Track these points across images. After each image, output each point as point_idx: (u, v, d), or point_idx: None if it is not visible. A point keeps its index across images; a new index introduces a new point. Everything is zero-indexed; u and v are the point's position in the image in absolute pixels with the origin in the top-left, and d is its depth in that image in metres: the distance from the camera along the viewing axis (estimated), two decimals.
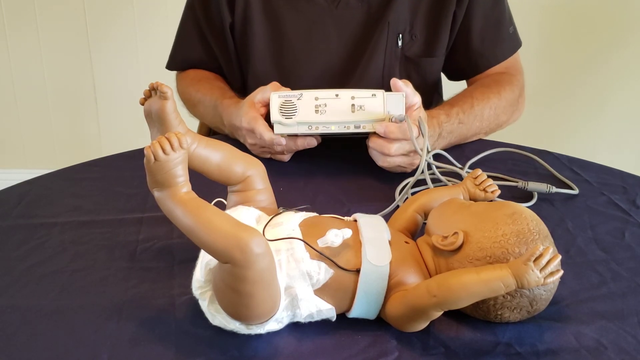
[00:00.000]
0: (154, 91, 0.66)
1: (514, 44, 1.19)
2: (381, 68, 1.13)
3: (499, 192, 0.72)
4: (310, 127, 0.85)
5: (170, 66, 1.24)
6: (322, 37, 1.11)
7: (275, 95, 0.86)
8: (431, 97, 1.22)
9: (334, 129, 0.86)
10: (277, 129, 0.86)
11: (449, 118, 1.00)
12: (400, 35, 1.11)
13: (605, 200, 0.87)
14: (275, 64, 1.14)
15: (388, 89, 1.12)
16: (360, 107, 0.84)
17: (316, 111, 0.84)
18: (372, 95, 0.84)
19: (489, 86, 1.10)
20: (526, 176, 0.92)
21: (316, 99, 0.84)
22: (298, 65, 1.13)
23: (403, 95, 0.87)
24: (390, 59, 1.12)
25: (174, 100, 0.65)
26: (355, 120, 0.85)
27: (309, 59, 1.13)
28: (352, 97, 0.85)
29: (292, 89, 1.00)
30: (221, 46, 1.16)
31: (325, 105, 0.84)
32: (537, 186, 0.87)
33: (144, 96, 0.68)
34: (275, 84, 0.94)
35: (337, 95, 0.84)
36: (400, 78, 1.14)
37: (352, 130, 0.86)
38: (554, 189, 0.87)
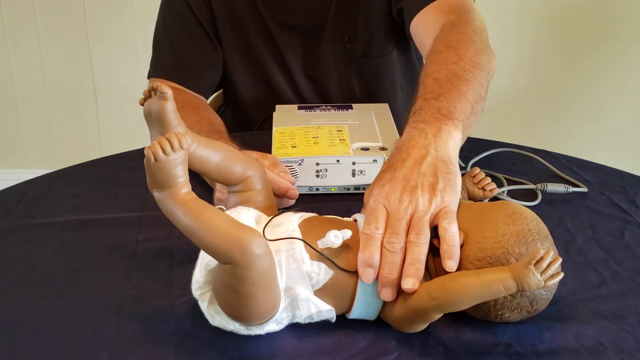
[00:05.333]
0: (153, 92, 0.66)
1: None
2: (336, 72, 1.16)
3: (497, 190, 0.71)
4: (310, 189, 0.87)
5: (157, 74, 1.14)
6: (275, 51, 1.15)
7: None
8: (395, 97, 1.23)
9: (334, 190, 0.87)
10: None
11: (427, 102, 0.75)
12: (347, 38, 1.12)
13: (605, 200, 0.87)
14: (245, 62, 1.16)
15: (347, 94, 1.14)
16: (361, 172, 0.85)
17: (317, 175, 0.85)
18: (373, 160, 0.85)
19: (438, 52, 0.86)
20: (527, 176, 0.92)
21: (317, 164, 0.85)
22: (269, 76, 1.17)
23: None
24: (341, 63, 1.15)
25: (174, 100, 0.65)
26: (356, 184, 0.86)
27: (274, 72, 1.16)
28: (353, 163, 0.85)
29: (270, 96, 1.04)
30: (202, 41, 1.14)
31: (326, 170, 0.85)
32: (555, 187, 0.87)
33: (143, 97, 0.68)
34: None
35: (338, 160, 0.85)
36: (357, 82, 1.17)
37: (352, 191, 0.87)
38: (571, 189, 0.87)
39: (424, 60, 0.91)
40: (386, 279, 0.58)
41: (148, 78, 1.14)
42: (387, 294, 0.58)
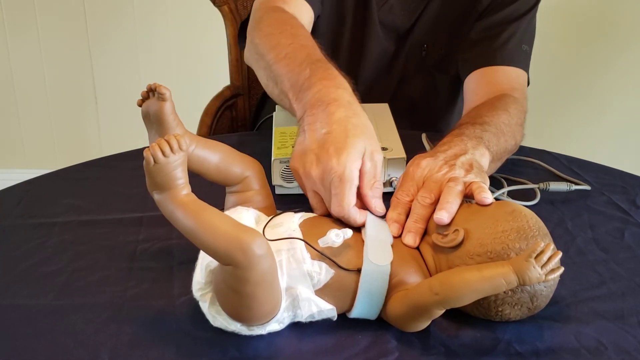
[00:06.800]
0: (151, 92, 0.66)
1: (523, 60, 1.07)
2: (401, 78, 1.16)
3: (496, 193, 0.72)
4: None
5: None
6: (369, 31, 1.13)
7: (277, 161, 0.85)
8: (450, 114, 1.23)
9: None
10: (279, 190, 0.87)
11: (473, 127, 0.85)
12: (425, 46, 1.12)
13: (605, 200, 0.87)
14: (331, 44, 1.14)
15: (403, 101, 1.13)
16: None
17: None
18: None
19: (493, 104, 0.96)
20: (527, 176, 0.92)
21: None
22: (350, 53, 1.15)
23: (404, 159, 0.86)
24: (411, 70, 1.15)
25: (172, 101, 0.65)
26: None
27: (353, 49, 1.15)
28: None
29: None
30: None
31: None
32: (558, 186, 0.87)
33: (141, 98, 0.68)
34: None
35: None
36: (421, 88, 1.16)
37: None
38: (574, 187, 0.87)
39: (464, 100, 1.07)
40: (412, 226, 0.66)
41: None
42: (410, 238, 0.65)
